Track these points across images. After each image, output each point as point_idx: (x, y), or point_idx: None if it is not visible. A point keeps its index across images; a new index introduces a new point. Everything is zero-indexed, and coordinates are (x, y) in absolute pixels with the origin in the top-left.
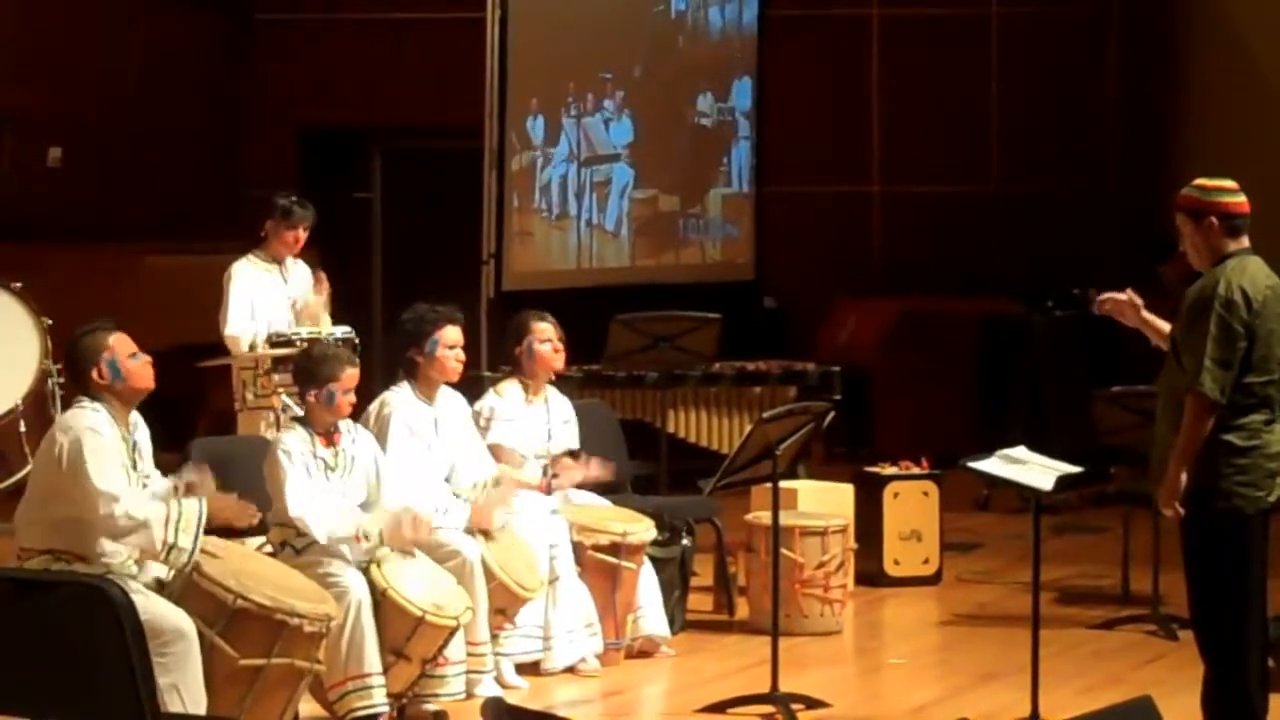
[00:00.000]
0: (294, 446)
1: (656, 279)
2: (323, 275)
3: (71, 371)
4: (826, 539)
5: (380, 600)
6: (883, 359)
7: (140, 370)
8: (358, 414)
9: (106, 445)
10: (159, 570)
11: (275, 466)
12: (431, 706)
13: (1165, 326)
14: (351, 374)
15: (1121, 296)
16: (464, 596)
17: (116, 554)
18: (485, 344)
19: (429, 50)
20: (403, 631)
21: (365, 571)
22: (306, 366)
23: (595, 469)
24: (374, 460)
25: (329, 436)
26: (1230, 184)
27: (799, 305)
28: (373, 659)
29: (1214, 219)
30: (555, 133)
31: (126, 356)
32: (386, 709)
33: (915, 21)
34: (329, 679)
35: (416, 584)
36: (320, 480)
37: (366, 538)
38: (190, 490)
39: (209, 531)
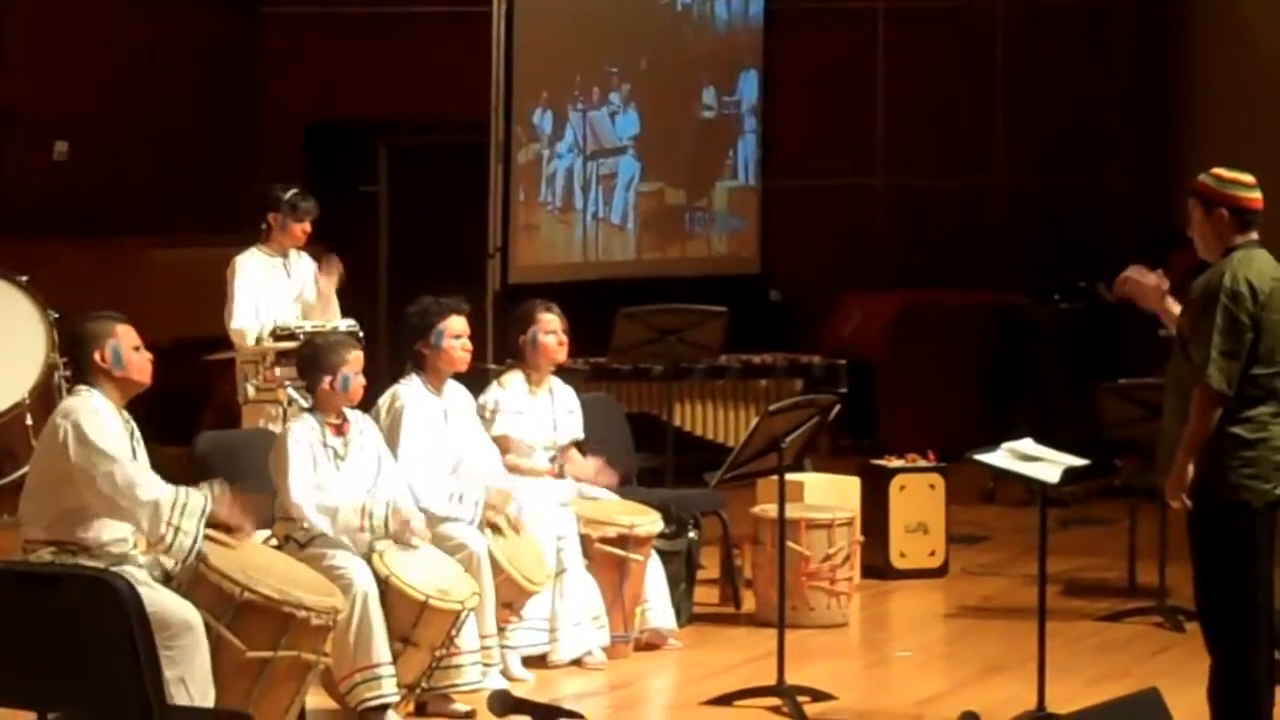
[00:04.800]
0: (302, 435)
1: (662, 272)
2: (334, 257)
3: (73, 355)
4: (833, 531)
5: (384, 588)
6: (888, 352)
7: (141, 364)
8: (367, 406)
9: (109, 426)
10: (166, 562)
11: (282, 455)
12: (461, 706)
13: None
14: (357, 355)
15: (1150, 281)
16: (470, 582)
17: (121, 541)
18: (491, 337)
19: (435, 44)
20: (408, 617)
21: (369, 561)
22: (312, 357)
23: (603, 477)
24: (378, 454)
25: (339, 426)
26: (1248, 178)
27: (805, 298)
28: (381, 649)
29: (1225, 210)
30: (561, 126)
31: (130, 348)
32: (397, 698)
33: (921, 14)
34: (338, 671)
35: (419, 570)
36: (329, 469)
37: (371, 516)
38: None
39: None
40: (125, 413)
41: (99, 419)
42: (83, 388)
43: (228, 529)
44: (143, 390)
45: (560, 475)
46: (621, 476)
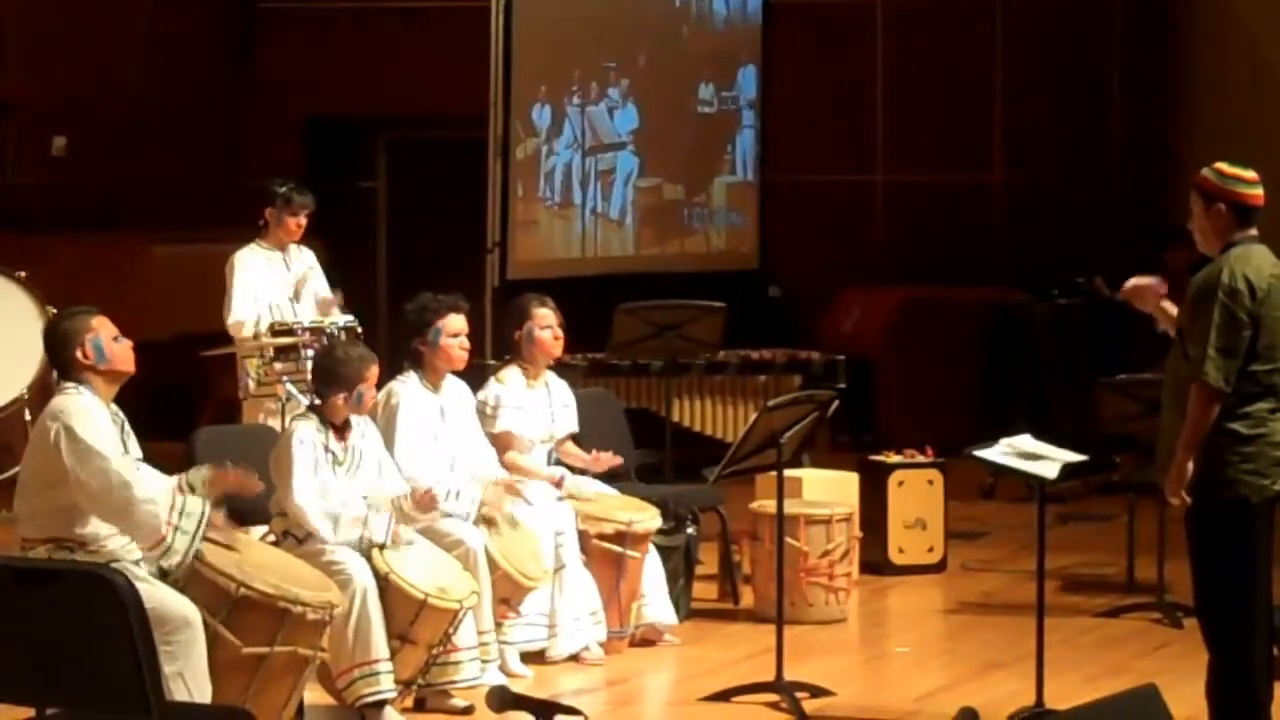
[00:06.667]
0: (307, 437)
1: (661, 268)
2: (339, 291)
3: (52, 355)
4: (831, 527)
5: (384, 585)
6: (887, 348)
7: (123, 353)
8: None
9: (100, 424)
10: (163, 562)
11: (285, 455)
12: (460, 702)
13: (1176, 312)
14: (374, 370)
15: (1148, 282)
16: (469, 581)
17: (119, 536)
18: (490, 333)
19: (434, 39)
20: (406, 615)
21: (369, 557)
22: (332, 369)
23: (602, 463)
24: (378, 458)
25: (341, 430)
26: (1250, 175)
27: (803, 294)
28: (379, 646)
29: (1224, 206)
30: (560, 121)
31: (110, 339)
32: (395, 694)
33: (919, 9)
34: (336, 667)
35: (419, 568)
36: (327, 474)
37: (371, 540)
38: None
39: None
40: (114, 406)
41: (89, 416)
42: (69, 385)
43: (240, 491)
44: (128, 378)
45: (559, 485)
46: (619, 469)
